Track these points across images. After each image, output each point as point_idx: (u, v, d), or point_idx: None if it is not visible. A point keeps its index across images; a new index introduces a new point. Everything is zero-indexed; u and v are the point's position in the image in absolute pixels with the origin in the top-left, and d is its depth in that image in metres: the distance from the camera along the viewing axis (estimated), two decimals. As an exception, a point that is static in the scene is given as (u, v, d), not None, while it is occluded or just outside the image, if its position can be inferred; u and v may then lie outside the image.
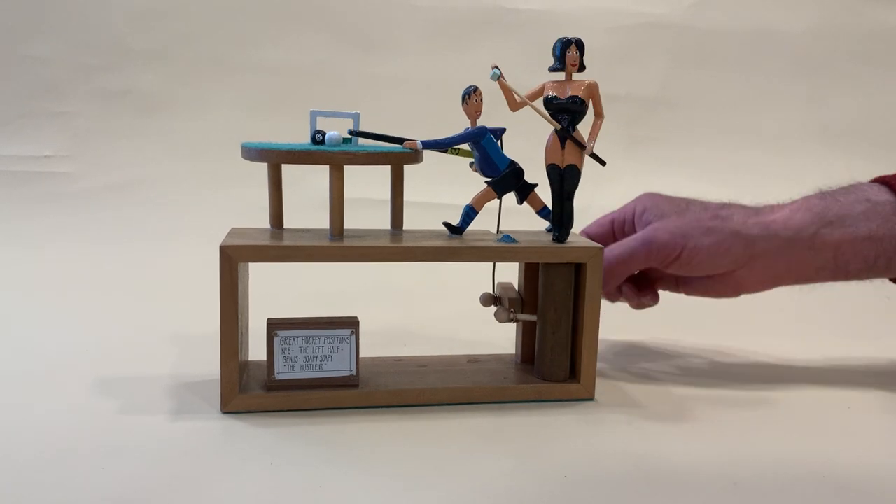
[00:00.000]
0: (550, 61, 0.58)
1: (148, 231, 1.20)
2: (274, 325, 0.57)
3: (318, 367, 0.57)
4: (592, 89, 0.57)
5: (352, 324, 0.58)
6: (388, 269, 0.72)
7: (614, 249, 0.65)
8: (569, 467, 0.49)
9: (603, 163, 0.59)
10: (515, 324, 0.65)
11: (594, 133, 0.58)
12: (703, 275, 0.66)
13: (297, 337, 0.57)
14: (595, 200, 1.25)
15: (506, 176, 0.59)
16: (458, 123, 0.59)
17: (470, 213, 0.60)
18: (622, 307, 0.72)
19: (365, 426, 0.55)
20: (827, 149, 1.39)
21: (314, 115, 0.59)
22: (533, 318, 0.62)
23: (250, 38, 1.41)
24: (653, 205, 0.67)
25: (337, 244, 0.56)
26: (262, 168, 0.60)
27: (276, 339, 0.56)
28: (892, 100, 1.41)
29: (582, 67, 0.57)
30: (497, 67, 0.56)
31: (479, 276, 0.67)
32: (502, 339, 0.68)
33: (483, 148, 0.58)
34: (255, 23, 1.41)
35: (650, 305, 0.70)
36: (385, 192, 0.62)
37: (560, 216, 0.60)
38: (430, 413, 0.57)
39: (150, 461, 0.48)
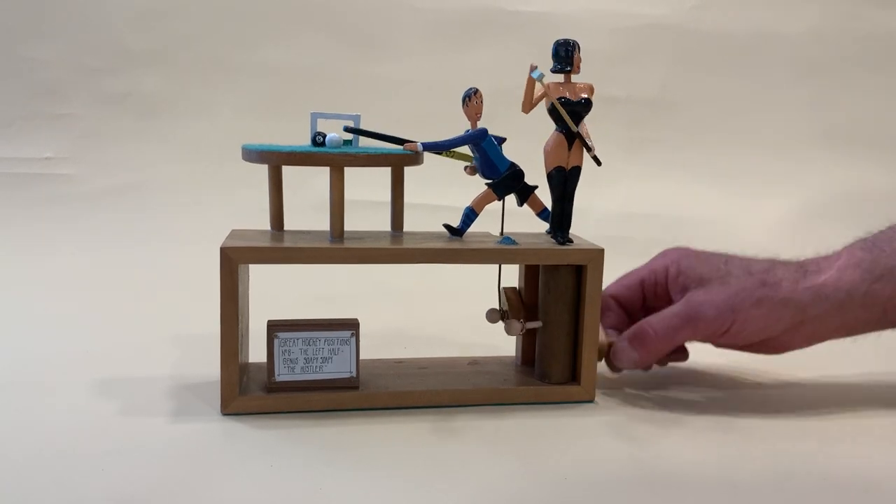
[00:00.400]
0: (551, 63, 0.58)
1: (148, 233, 1.20)
2: (274, 327, 0.57)
3: (318, 369, 0.57)
4: (593, 91, 0.57)
5: (352, 325, 0.58)
6: (389, 271, 0.72)
7: (655, 326, 0.61)
8: (569, 469, 0.49)
9: (599, 163, 0.59)
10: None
11: (588, 134, 0.58)
12: (749, 343, 0.63)
13: (298, 339, 0.57)
14: (595, 202, 1.25)
15: (506, 178, 0.59)
16: (459, 125, 0.59)
17: (470, 215, 0.60)
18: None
19: (365, 428, 0.55)
20: (827, 151, 1.39)
21: (314, 116, 0.59)
22: (539, 324, 0.61)
23: (251, 39, 1.41)
24: (688, 266, 0.62)
25: (337, 246, 0.56)
26: (262, 170, 0.60)
27: (276, 341, 0.56)
28: (894, 103, 1.41)
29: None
30: (537, 67, 0.56)
31: (479, 278, 0.67)
32: (503, 341, 0.68)
33: (483, 150, 0.58)
34: (255, 25, 1.41)
35: (680, 361, 0.66)
36: (385, 194, 0.62)
37: (561, 218, 0.60)
38: (431, 415, 0.57)
39: (150, 462, 0.48)
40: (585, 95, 0.57)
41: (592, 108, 0.57)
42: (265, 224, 0.62)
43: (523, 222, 0.63)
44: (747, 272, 0.61)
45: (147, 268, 1.05)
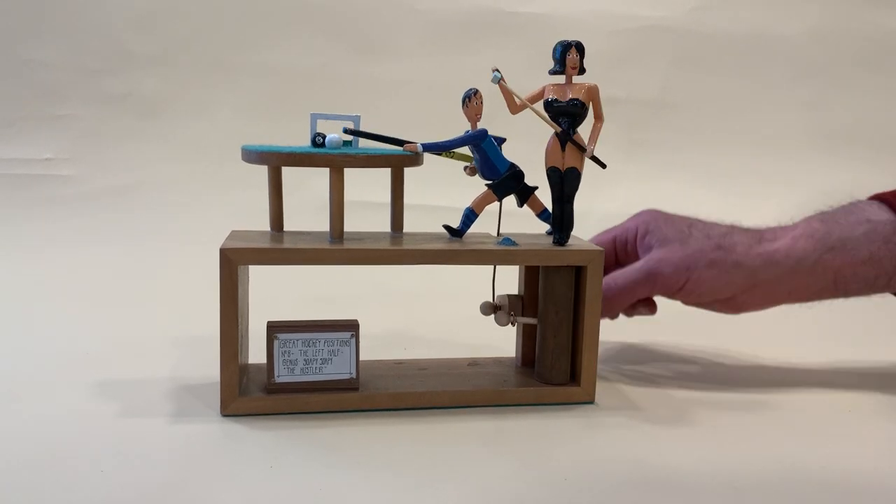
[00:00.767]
0: (551, 64, 0.58)
1: (148, 234, 1.20)
2: (274, 328, 0.56)
3: (318, 370, 0.57)
4: (593, 92, 0.57)
5: (352, 327, 0.58)
6: (389, 272, 0.72)
7: (617, 279, 0.65)
8: (569, 471, 0.49)
9: (603, 165, 0.59)
10: (515, 326, 0.65)
11: (594, 136, 0.58)
12: (705, 301, 0.66)
13: (297, 340, 0.57)
14: (595, 204, 1.25)
15: (506, 179, 0.58)
16: (459, 126, 0.59)
17: (470, 215, 0.60)
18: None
19: (365, 429, 0.54)
20: (827, 153, 1.39)
21: (314, 117, 0.59)
22: (533, 320, 0.62)
23: (250, 40, 1.41)
24: (655, 227, 0.66)
25: (337, 247, 0.56)
26: (262, 171, 0.60)
27: (276, 342, 0.56)
28: (893, 104, 1.41)
29: (582, 70, 0.57)
30: (498, 70, 0.56)
31: (479, 279, 0.67)
32: (503, 342, 0.68)
33: (483, 151, 0.58)
34: (255, 26, 1.41)
35: (646, 315, 0.69)
36: (385, 195, 0.62)
37: (560, 219, 0.60)
38: (431, 416, 0.57)
39: (149, 464, 0.48)
40: (574, 97, 0.57)
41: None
42: (265, 225, 0.62)
43: (524, 223, 0.63)
44: (706, 235, 0.65)
45: (147, 269, 1.05)
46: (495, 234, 0.62)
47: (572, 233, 0.60)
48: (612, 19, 1.40)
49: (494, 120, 0.58)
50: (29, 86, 1.39)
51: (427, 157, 0.60)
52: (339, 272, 0.71)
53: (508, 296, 0.64)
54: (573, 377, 0.61)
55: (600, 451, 0.52)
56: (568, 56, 0.57)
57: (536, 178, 0.60)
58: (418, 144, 0.58)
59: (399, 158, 0.58)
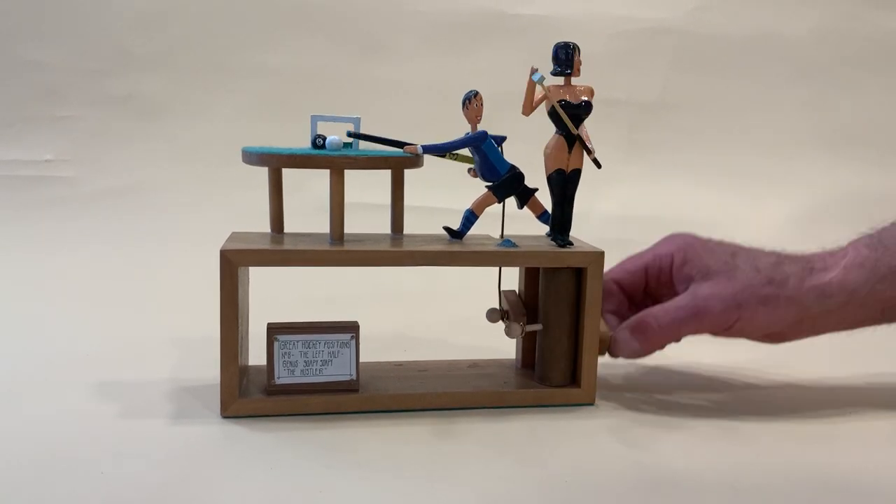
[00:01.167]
0: (551, 66, 0.58)
1: (148, 235, 1.20)
2: (274, 330, 0.56)
3: (318, 372, 0.57)
4: (593, 93, 0.57)
5: (352, 328, 0.58)
6: (389, 274, 0.72)
7: (660, 317, 0.60)
8: (569, 472, 0.49)
9: (599, 165, 0.59)
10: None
11: (587, 136, 0.58)
12: (752, 338, 0.63)
13: (298, 341, 0.57)
14: (595, 204, 1.25)
15: (506, 180, 0.59)
16: (459, 128, 0.59)
17: (470, 217, 0.60)
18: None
19: (365, 431, 0.54)
20: (828, 154, 1.39)
21: (315, 119, 0.59)
22: (539, 327, 0.61)
23: (251, 42, 1.41)
24: (694, 256, 0.62)
25: (337, 248, 0.56)
26: (262, 172, 0.60)
27: (276, 344, 0.56)
28: (894, 104, 1.41)
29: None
30: (538, 70, 0.56)
31: (479, 281, 0.67)
32: (503, 343, 0.68)
33: (483, 152, 0.58)
34: (255, 27, 1.41)
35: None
36: (385, 197, 0.62)
37: (561, 221, 0.60)
38: (431, 418, 0.57)
39: (149, 465, 0.48)
40: (585, 98, 0.57)
41: (593, 110, 0.57)
42: (265, 226, 0.62)
43: (523, 225, 0.63)
44: (755, 268, 0.60)
45: (147, 270, 1.05)
46: (495, 236, 0.62)
47: (572, 234, 0.60)
48: (612, 21, 1.40)
49: (494, 122, 0.58)
50: (29, 87, 1.39)
51: (427, 158, 0.60)
52: (340, 273, 0.71)
53: (506, 293, 0.63)
54: (573, 379, 0.61)
55: (600, 453, 0.52)
56: (575, 58, 0.57)
57: (536, 179, 0.60)
58: (418, 146, 0.58)
59: (399, 160, 0.58)
